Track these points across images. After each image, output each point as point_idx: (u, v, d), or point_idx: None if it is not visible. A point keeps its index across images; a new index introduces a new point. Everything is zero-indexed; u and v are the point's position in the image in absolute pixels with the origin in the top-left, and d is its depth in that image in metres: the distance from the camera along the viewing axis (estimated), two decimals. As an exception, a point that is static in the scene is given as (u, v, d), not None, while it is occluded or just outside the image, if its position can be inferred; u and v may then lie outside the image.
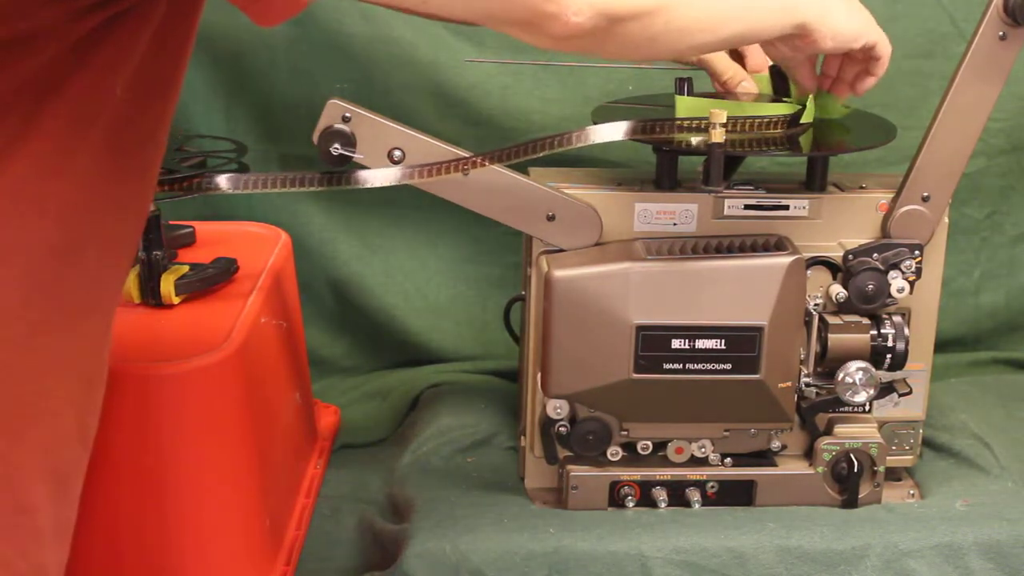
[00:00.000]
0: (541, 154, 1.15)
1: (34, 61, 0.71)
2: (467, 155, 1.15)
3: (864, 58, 1.16)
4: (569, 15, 0.86)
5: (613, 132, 1.17)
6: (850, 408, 1.24)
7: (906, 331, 1.21)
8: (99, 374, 0.83)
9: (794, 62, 1.17)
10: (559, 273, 1.15)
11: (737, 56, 1.26)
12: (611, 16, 0.90)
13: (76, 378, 0.79)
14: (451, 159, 1.14)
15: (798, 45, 1.10)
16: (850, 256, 1.21)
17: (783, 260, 1.15)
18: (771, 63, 1.25)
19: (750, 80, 1.25)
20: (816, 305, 1.20)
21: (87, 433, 0.82)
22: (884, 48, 1.15)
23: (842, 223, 1.22)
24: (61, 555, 0.82)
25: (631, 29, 0.91)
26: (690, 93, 1.22)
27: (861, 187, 1.24)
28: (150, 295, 1.20)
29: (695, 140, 1.18)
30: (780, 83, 1.25)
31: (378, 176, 1.14)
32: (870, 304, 1.20)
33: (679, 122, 1.19)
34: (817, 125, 1.23)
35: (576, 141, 1.15)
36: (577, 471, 1.24)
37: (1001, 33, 1.16)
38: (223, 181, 1.15)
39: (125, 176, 0.79)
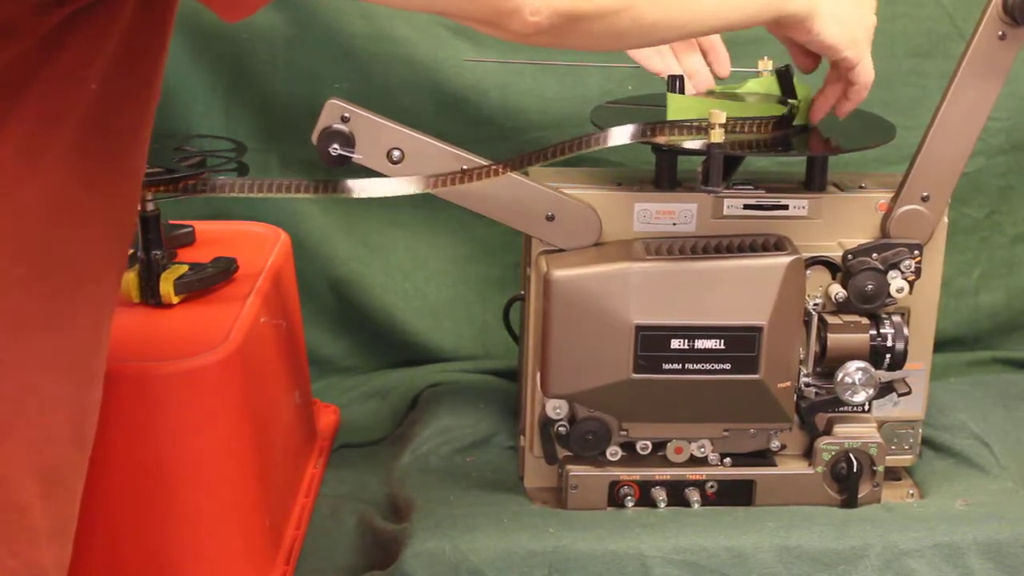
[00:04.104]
0: (551, 160, 1.15)
1: (1, 57, 0.71)
2: (478, 160, 1.15)
3: (843, 78, 1.15)
4: (526, 14, 0.85)
5: (621, 136, 1.16)
6: (849, 408, 1.24)
7: (905, 331, 1.21)
8: (92, 374, 0.82)
9: (786, 41, 1.16)
10: (558, 273, 1.16)
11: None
12: (571, 16, 0.88)
13: (65, 376, 0.79)
14: (457, 169, 1.14)
15: (775, 27, 1.10)
16: (849, 256, 1.21)
17: (782, 260, 1.15)
18: (777, 65, 1.25)
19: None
20: (815, 305, 1.20)
21: (83, 434, 0.82)
22: (862, 75, 1.13)
23: (842, 223, 1.22)
24: (60, 555, 0.81)
25: (595, 27, 0.90)
26: (682, 91, 1.22)
27: (861, 187, 1.24)
28: (149, 295, 1.20)
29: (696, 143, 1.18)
30: (786, 84, 1.24)
31: (397, 186, 1.14)
32: (869, 304, 1.20)
33: (684, 123, 1.19)
34: (817, 125, 1.23)
35: (589, 145, 1.15)
36: (577, 471, 1.24)
37: (1001, 33, 1.16)
38: (222, 184, 1.16)
39: (105, 171, 0.78)
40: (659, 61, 1.24)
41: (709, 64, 1.27)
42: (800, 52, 1.15)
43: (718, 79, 1.27)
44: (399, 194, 1.14)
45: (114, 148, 0.79)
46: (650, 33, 0.97)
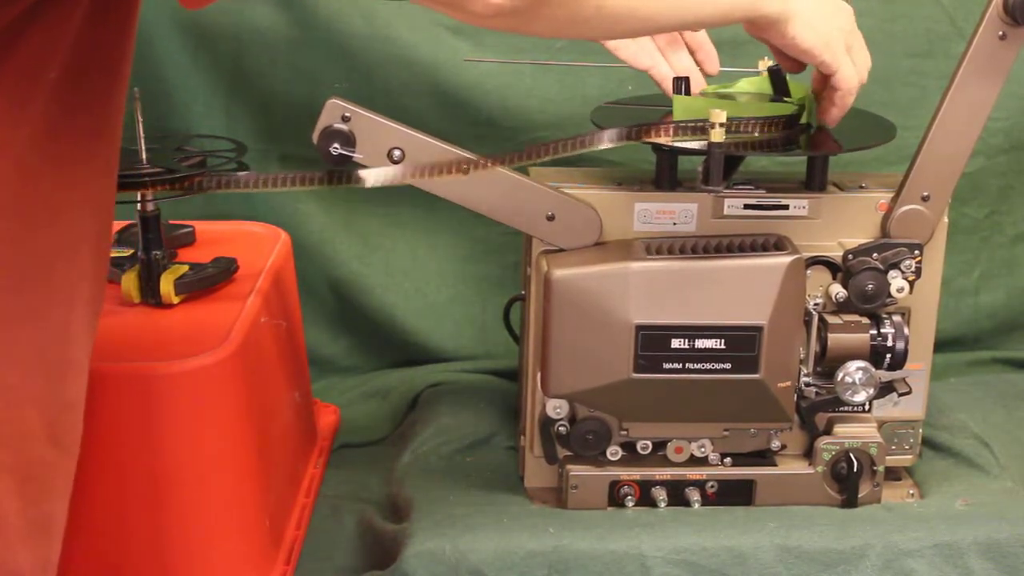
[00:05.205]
0: (546, 158, 1.16)
1: None
2: (470, 155, 1.15)
3: (826, 84, 1.14)
4: None
5: (619, 136, 1.16)
6: (850, 408, 1.24)
7: (906, 331, 1.21)
8: (67, 370, 0.81)
9: (766, 43, 1.15)
10: (559, 273, 1.16)
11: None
12: None
13: (36, 372, 0.77)
14: (453, 159, 1.15)
15: (752, 28, 1.09)
16: (850, 256, 1.21)
17: (783, 260, 1.15)
18: (771, 63, 1.25)
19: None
20: (816, 305, 1.20)
21: (60, 432, 0.80)
22: (844, 81, 1.12)
23: (842, 223, 1.22)
24: (41, 555, 0.80)
25: (558, 13, 0.89)
26: (687, 93, 1.22)
27: (861, 187, 1.24)
28: (150, 295, 1.20)
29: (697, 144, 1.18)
30: (779, 83, 1.25)
31: (378, 175, 1.15)
32: (870, 304, 1.20)
33: (683, 123, 1.19)
34: (817, 125, 1.23)
35: (582, 146, 1.15)
36: (577, 471, 1.24)
37: (1001, 33, 1.16)
38: (223, 180, 1.16)
39: (72, 160, 0.77)
40: (646, 58, 1.24)
41: (699, 63, 1.26)
42: (782, 54, 1.15)
43: (707, 76, 1.27)
44: (388, 184, 1.15)
45: (80, 134, 0.78)
46: (615, 23, 0.96)
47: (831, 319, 1.21)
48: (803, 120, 1.22)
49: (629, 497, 1.24)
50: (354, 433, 1.47)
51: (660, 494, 1.23)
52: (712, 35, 1.27)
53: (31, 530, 0.79)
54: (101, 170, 0.82)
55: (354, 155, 1.14)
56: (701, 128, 1.15)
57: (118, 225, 1.34)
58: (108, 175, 0.83)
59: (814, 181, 1.23)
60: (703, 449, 1.24)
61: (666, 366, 1.16)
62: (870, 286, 1.20)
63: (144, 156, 1.18)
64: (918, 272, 1.21)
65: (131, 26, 0.80)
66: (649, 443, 1.24)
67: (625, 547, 1.16)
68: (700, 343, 1.16)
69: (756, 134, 1.19)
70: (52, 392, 0.79)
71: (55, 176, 0.77)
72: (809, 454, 1.26)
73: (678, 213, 1.21)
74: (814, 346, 1.21)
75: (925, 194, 1.21)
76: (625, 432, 1.23)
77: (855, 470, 1.24)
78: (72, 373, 0.81)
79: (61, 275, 0.79)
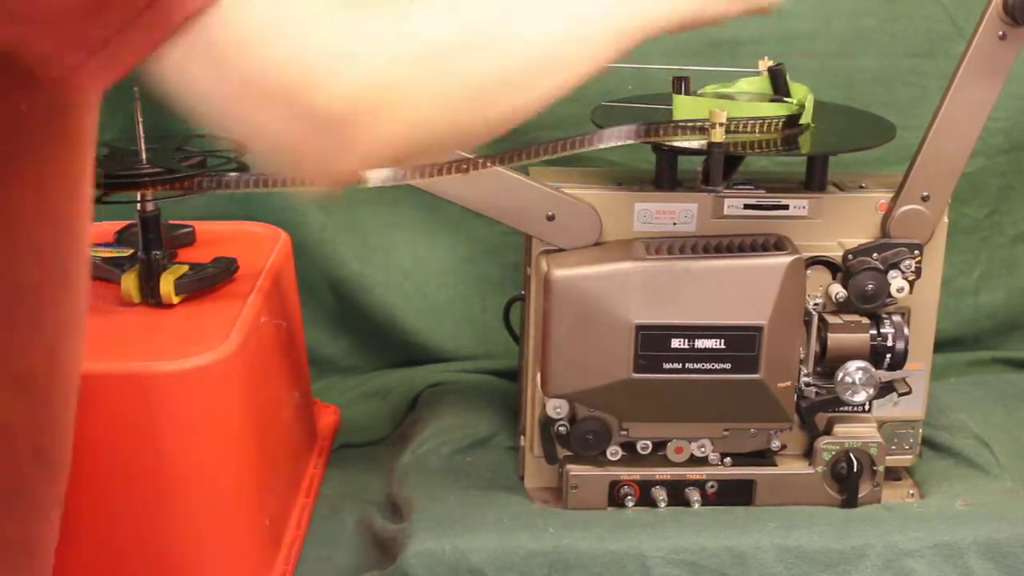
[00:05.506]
0: (546, 156, 1.16)
1: None
2: (469, 155, 1.15)
3: None
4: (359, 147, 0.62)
5: (618, 136, 1.16)
6: (850, 408, 1.24)
7: (906, 331, 1.21)
8: (54, 389, 0.78)
9: None
10: (559, 273, 1.16)
11: None
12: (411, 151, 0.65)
13: (20, 392, 0.75)
14: (453, 159, 1.14)
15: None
16: (850, 256, 1.21)
17: (783, 260, 1.15)
18: (771, 63, 1.25)
19: None
20: (816, 305, 1.20)
21: (47, 451, 0.78)
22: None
23: (842, 223, 1.22)
24: (26, 574, 0.79)
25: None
26: (687, 92, 1.22)
27: (861, 187, 1.25)
28: (149, 295, 1.20)
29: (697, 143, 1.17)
30: (779, 83, 1.25)
31: (378, 175, 1.14)
32: (870, 304, 1.20)
33: (683, 123, 1.19)
34: (817, 125, 1.23)
35: (582, 145, 1.15)
36: (577, 471, 1.24)
37: (1001, 33, 1.16)
38: (223, 180, 1.16)
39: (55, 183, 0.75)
40: None
41: None
42: None
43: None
44: (388, 184, 1.14)
45: (58, 166, 0.75)
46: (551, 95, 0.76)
47: (831, 319, 1.21)
48: (803, 120, 1.22)
49: (629, 497, 1.24)
50: (354, 433, 1.47)
51: (660, 494, 1.23)
52: (711, 35, 1.27)
53: (16, 550, 0.78)
54: (77, 185, 0.78)
55: (354, 155, 1.13)
56: (701, 128, 1.15)
57: (118, 225, 1.34)
58: (85, 185, 0.80)
59: (814, 181, 1.23)
60: (703, 449, 1.24)
61: (666, 366, 1.16)
62: (870, 286, 1.20)
63: (144, 156, 1.18)
64: (918, 272, 1.21)
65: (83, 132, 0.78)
66: (649, 443, 1.24)
67: (625, 547, 1.16)
68: (700, 343, 1.16)
69: (756, 134, 1.19)
70: (37, 413, 0.78)
71: (38, 200, 0.74)
72: (809, 454, 1.26)
73: (678, 213, 1.21)
74: (814, 346, 1.21)
75: (925, 194, 1.21)
76: (625, 432, 1.23)
77: (855, 470, 1.24)
78: (59, 391, 0.80)
79: (47, 295, 0.77)
